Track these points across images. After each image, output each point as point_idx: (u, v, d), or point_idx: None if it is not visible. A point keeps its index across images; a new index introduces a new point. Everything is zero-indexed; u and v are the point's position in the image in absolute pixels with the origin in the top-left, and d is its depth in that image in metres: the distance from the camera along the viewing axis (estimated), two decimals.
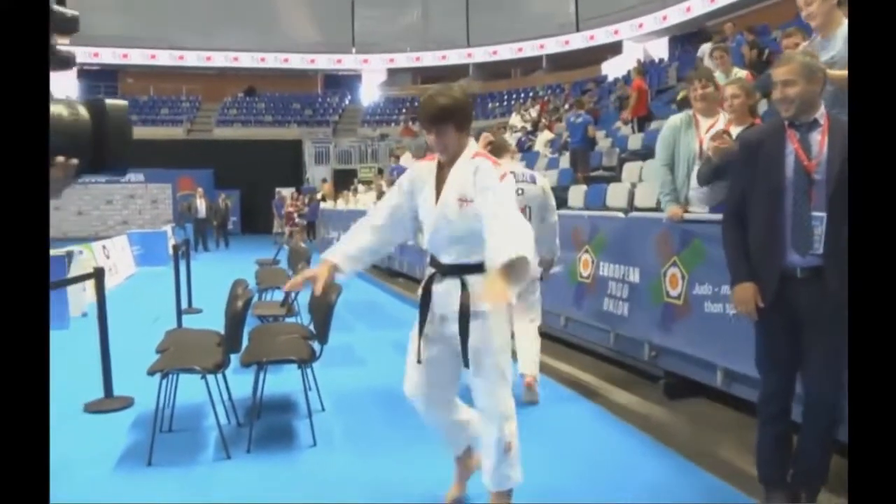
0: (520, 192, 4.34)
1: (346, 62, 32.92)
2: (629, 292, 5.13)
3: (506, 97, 29.20)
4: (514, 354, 5.11)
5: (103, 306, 4.97)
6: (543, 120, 18.77)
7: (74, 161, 1.28)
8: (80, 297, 8.16)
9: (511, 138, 16.97)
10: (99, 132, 1.32)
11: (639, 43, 25.68)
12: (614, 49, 26.37)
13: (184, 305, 7.83)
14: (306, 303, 4.92)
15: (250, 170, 26.47)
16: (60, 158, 1.26)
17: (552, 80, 28.23)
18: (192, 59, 31.12)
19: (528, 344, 4.78)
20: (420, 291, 2.96)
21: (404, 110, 29.69)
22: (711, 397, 4.48)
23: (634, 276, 5.06)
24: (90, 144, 1.31)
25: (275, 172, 26.67)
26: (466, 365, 2.81)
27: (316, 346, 4.18)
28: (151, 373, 3.78)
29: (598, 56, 26.90)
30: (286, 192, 24.64)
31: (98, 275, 5.19)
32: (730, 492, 3.20)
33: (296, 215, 21.74)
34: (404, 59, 32.52)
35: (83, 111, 1.32)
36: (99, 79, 28.36)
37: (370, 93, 33.24)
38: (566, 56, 28.91)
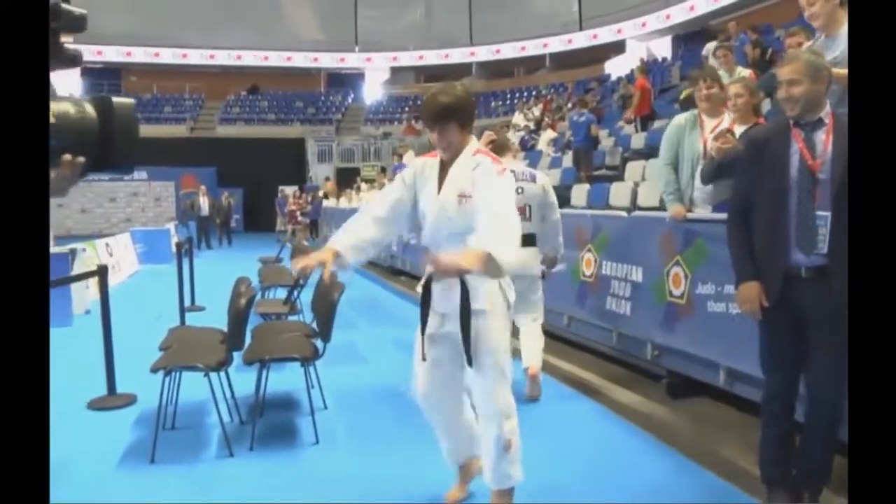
0: (520, 190, 4.35)
1: (350, 61, 32.92)
2: (632, 291, 5.12)
3: (509, 96, 29.18)
4: (516, 353, 5.14)
5: (106, 304, 4.98)
6: (546, 119, 18.74)
7: (81, 159, 1.28)
8: (83, 295, 8.18)
9: (514, 137, 16.97)
10: (105, 130, 1.32)
11: (642, 42, 25.66)
12: (617, 48, 26.35)
13: (187, 303, 7.85)
14: (309, 301, 4.92)
15: (253, 168, 26.49)
16: (67, 156, 1.26)
17: (555, 78, 28.22)
18: (196, 57, 31.15)
19: (532, 342, 4.80)
20: (420, 290, 2.96)
21: (407, 109, 29.68)
22: (714, 397, 4.48)
23: (637, 275, 5.06)
24: (97, 142, 1.31)
25: (278, 170, 26.70)
26: (470, 364, 2.80)
27: (319, 343, 4.18)
28: (154, 370, 3.79)
29: (601, 55, 26.87)
30: (289, 190, 24.67)
31: (101, 272, 5.20)
32: (732, 491, 3.20)
33: (298, 213, 21.75)
34: (407, 58, 32.51)
35: (90, 109, 1.32)
36: (102, 77, 28.36)
37: (373, 91, 33.24)
38: (569, 55, 28.88)
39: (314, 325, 4.56)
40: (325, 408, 4.53)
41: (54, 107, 1.25)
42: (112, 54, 29.23)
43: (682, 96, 10.26)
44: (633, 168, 10.12)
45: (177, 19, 29.96)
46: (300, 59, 32.29)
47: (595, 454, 3.75)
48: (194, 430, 4.19)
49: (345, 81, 33.60)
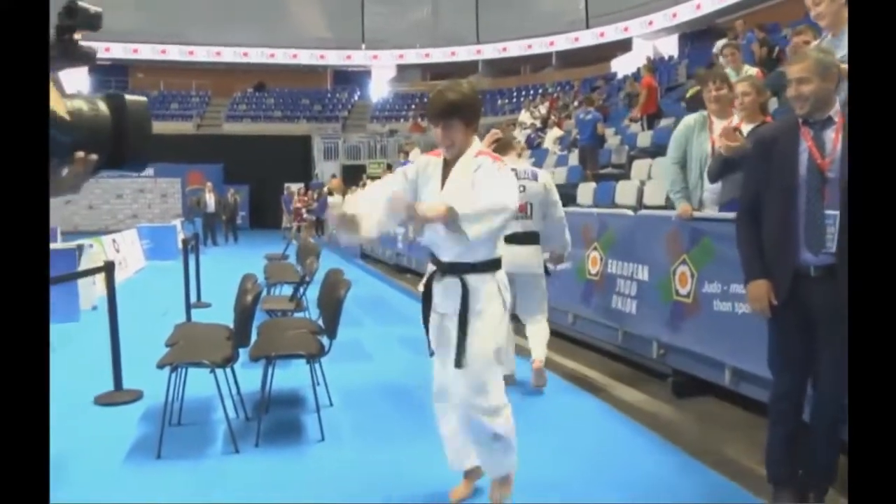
0: (521, 189, 4.36)
1: (356, 58, 32.91)
2: (638, 290, 5.11)
3: (515, 94, 29.14)
4: (523, 352, 5.15)
5: (113, 300, 5.00)
6: (553, 117, 18.73)
7: (94, 157, 1.28)
8: (90, 291, 8.21)
9: (520, 135, 16.93)
10: (119, 128, 1.32)
11: (649, 40, 25.57)
12: (624, 46, 26.26)
13: (193, 299, 7.87)
14: (315, 298, 4.93)
15: (259, 165, 26.52)
16: (80, 153, 1.26)
17: (562, 76, 28.17)
18: (202, 54, 31.19)
19: (538, 339, 4.85)
20: (422, 289, 2.97)
21: (413, 106, 29.69)
22: (719, 396, 4.47)
23: (643, 273, 5.05)
24: (110, 140, 1.31)
25: (284, 168, 26.71)
26: (458, 365, 2.80)
27: (325, 340, 4.19)
28: (161, 366, 3.80)
29: (607, 53, 26.80)
30: (295, 187, 24.69)
31: (108, 268, 5.22)
32: (737, 491, 3.19)
33: (304, 211, 21.77)
34: (414, 56, 32.47)
35: (103, 106, 1.32)
36: (110, 73, 28.40)
37: (379, 89, 33.24)
38: (576, 53, 28.80)
39: (320, 322, 4.57)
40: (331, 405, 4.53)
41: (68, 104, 1.25)
42: (119, 51, 29.26)
43: (687, 95, 10.23)
44: (640, 166, 10.10)
45: (184, 16, 29.99)
46: (306, 57, 32.29)
47: (600, 452, 3.75)
48: (200, 426, 4.20)
49: (351, 79, 33.60)
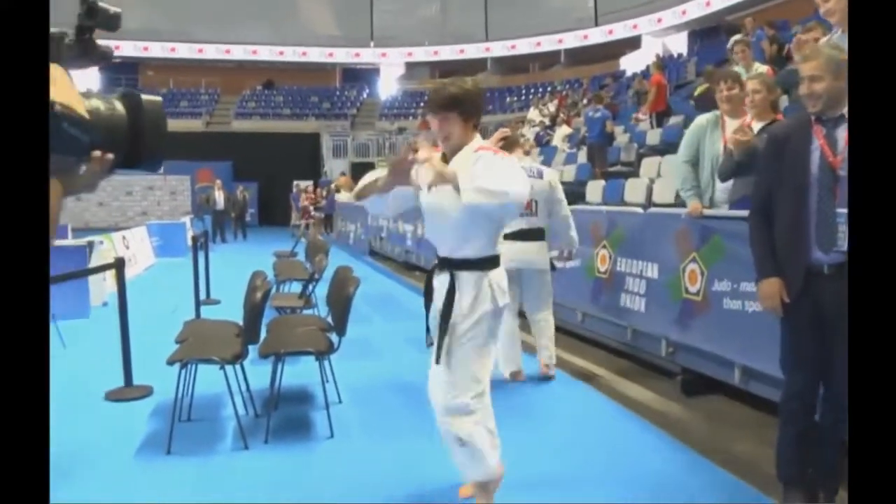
0: None
1: (365, 56, 32.94)
2: (647, 288, 5.10)
3: (524, 91, 29.07)
4: (530, 349, 5.15)
5: (123, 296, 5.03)
6: (561, 115, 18.68)
7: (110, 156, 1.29)
8: (100, 287, 8.26)
9: (529, 133, 16.91)
10: (135, 127, 1.32)
11: (658, 38, 25.49)
12: (633, 44, 26.17)
13: (202, 296, 7.90)
14: (324, 295, 4.94)
15: (268, 162, 26.60)
16: (97, 153, 1.27)
17: (570, 74, 28.06)
18: (212, 52, 31.29)
19: (546, 339, 4.88)
20: (425, 284, 2.97)
21: (422, 104, 29.62)
22: (729, 395, 4.45)
23: (652, 271, 5.04)
24: (126, 139, 1.32)
25: (293, 165, 26.78)
26: (436, 360, 2.78)
27: (334, 338, 4.20)
28: (171, 363, 3.82)
29: (616, 51, 26.71)
30: (304, 184, 24.72)
31: (118, 265, 5.25)
32: (746, 489, 3.18)
33: (312, 208, 21.80)
34: (422, 53, 32.47)
35: (119, 106, 1.32)
36: (120, 71, 28.52)
37: (388, 86, 33.27)
38: (584, 51, 28.73)
39: (329, 320, 4.58)
40: (340, 402, 4.54)
41: (86, 103, 1.25)
42: (129, 49, 29.34)
43: (696, 93, 10.20)
44: (649, 164, 10.07)
45: (193, 14, 30.10)
46: (315, 54, 32.34)
47: (608, 450, 3.74)
48: (210, 422, 4.22)
49: (360, 76, 33.63)
